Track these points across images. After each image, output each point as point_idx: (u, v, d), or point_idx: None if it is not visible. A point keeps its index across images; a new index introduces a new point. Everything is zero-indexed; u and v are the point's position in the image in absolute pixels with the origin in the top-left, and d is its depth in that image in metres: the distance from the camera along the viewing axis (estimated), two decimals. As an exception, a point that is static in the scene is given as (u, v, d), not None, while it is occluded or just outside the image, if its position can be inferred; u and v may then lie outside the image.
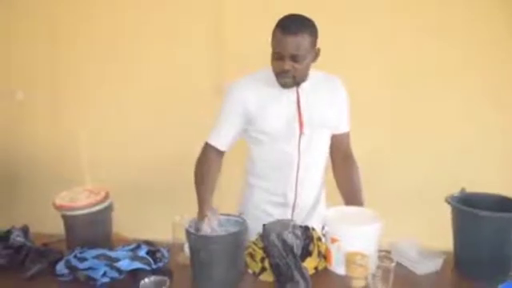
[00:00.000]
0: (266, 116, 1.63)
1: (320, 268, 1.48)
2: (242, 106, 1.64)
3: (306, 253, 1.46)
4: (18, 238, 1.59)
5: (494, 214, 1.37)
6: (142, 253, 1.46)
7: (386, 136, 2.52)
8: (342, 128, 1.77)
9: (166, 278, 1.30)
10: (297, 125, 1.63)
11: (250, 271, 1.48)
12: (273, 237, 1.37)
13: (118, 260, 1.42)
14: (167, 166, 2.62)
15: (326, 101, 1.68)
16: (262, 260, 1.45)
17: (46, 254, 1.53)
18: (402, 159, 2.53)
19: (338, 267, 1.45)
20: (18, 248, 1.56)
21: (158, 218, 1.94)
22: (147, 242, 1.55)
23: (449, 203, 1.48)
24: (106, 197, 1.65)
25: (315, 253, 1.48)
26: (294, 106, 1.63)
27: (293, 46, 1.50)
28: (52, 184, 2.00)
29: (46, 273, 1.47)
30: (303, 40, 1.50)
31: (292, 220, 1.50)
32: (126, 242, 1.55)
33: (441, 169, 2.49)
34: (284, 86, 1.60)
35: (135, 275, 1.38)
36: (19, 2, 2.72)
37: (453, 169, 2.43)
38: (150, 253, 1.48)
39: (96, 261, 1.42)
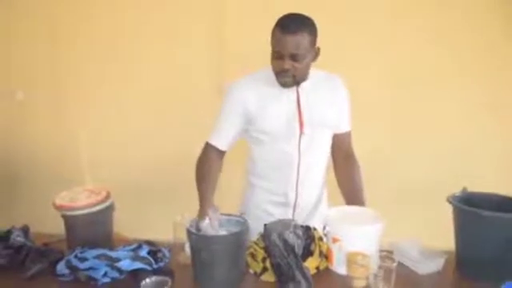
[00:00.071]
0: (266, 116, 1.63)
1: (321, 268, 1.48)
2: (242, 106, 1.64)
3: (308, 253, 1.46)
4: (18, 238, 1.59)
5: (495, 213, 1.36)
6: (143, 253, 1.46)
7: (386, 136, 2.52)
8: (343, 127, 1.76)
9: (167, 279, 1.30)
10: (297, 124, 1.63)
11: (252, 271, 1.48)
12: (274, 237, 1.37)
13: (118, 260, 1.42)
14: (168, 166, 2.62)
15: (327, 100, 1.67)
16: (264, 260, 1.44)
17: (47, 254, 1.52)
18: (402, 159, 2.54)
19: (340, 267, 1.45)
20: (19, 248, 1.55)
21: (158, 218, 1.94)
22: (148, 242, 1.55)
23: (450, 203, 1.47)
24: (107, 197, 1.64)
25: (316, 253, 1.47)
26: (294, 105, 1.63)
27: (292, 45, 1.49)
28: (52, 184, 2.00)
29: (46, 273, 1.47)
30: (303, 39, 1.50)
31: (293, 220, 1.50)
32: (127, 242, 1.55)
33: (441, 168, 2.49)
34: (284, 85, 1.59)
35: (136, 275, 1.38)
36: (19, 2, 2.72)
37: (453, 168, 2.44)
38: (151, 253, 1.48)
39: (97, 261, 1.42)
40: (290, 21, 1.51)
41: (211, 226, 1.41)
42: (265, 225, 1.44)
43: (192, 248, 1.40)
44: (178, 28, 2.60)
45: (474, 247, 1.43)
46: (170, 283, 1.29)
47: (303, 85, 1.63)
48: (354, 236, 1.44)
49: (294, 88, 1.62)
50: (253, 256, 1.49)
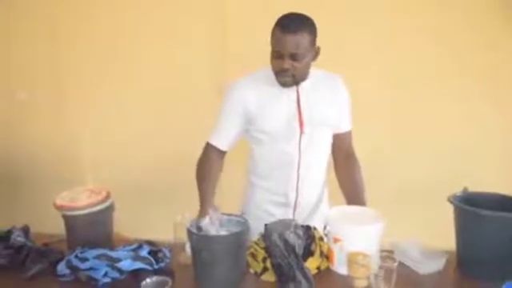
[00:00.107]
0: (266, 115, 1.63)
1: (322, 268, 1.47)
2: (242, 106, 1.64)
3: (308, 253, 1.46)
4: (18, 238, 1.59)
5: (496, 213, 1.36)
6: (144, 253, 1.45)
7: (386, 136, 2.52)
8: (344, 127, 1.76)
9: (167, 279, 1.30)
10: (297, 124, 1.63)
11: (252, 271, 1.48)
12: (275, 237, 1.37)
13: (119, 260, 1.41)
14: (168, 166, 2.62)
15: (327, 99, 1.67)
16: (264, 260, 1.44)
17: (47, 254, 1.52)
18: (402, 159, 2.53)
19: (340, 267, 1.45)
20: (19, 248, 1.55)
21: (158, 218, 1.94)
22: (149, 242, 1.54)
23: (451, 203, 1.47)
24: (107, 197, 1.64)
25: (317, 253, 1.47)
26: (294, 104, 1.63)
27: (292, 44, 1.49)
28: (53, 184, 2.00)
29: (46, 273, 1.47)
30: (302, 38, 1.50)
31: (294, 220, 1.50)
32: (127, 242, 1.55)
33: (441, 168, 2.49)
34: (284, 84, 1.59)
35: (137, 275, 1.38)
36: (19, 2, 2.72)
37: (453, 168, 2.43)
38: (152, 253, 1.47)
39: (97, 261, 1.42)
40: (290, 20, 1.51)
41: (211, 224, 1.41)
42: (265, 225, 1.44)
43: (193, 248, 1.40)
44: (178, 28, 2.60)
45: (475, 247, 1.43)
46: (170, 283, 1.29)
47: (303, 84, 1.63)
48: (355, 236, 1.43)
49: (294, 88, 1.62)
50: (253, 256, 1.49)
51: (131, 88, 2.68)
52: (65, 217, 1.61)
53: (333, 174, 1.81)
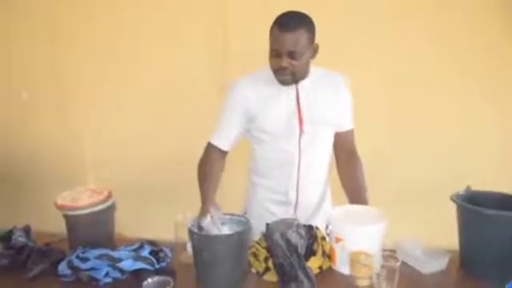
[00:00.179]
0: (266, 115, 1.63)
1: (324, 267, 1.47)
2: (242, 106, 1.64)
3: (310, 252, 1.45)
4: (19, 239, 1.58)
5: (499, 212, 1.36)
6: (145, 253, 1.45)
7: (386, 136, 2.52)
8: (346, 125, 1.75)
9: (169, 279, 1.29)
10: (297, 122, 1.62)
11: (254, 271, 1.47)
12: (276, 236, 1.36)
13: (120, 260, 1.41)
14: (169, 166, 2.62)
15: (327, 97, 1.66)
16: (266, 260, 1.44)
17: (48, 254, 1.52)
18: (402, 159, 2.53)
19: (343, 267, 1.44)
20: (20, 248, 1.55)
21: (159, 218, 1.93)
22: (150, 242, 1.54)
23: (454, 201, 1.47)
24: (109, 196, 1.64)
25: (319, 252, 1.47)
26: (294, 103, 1.63)
27: (290, 42, 1.49)
28: (54, 184, 2.00)
29: (48, 273, 1.46)
30: (301, 36, 1.49)
31: (296, 219, 1.49)
32: (129, 242, 1.54)
33: (441, 168, 2.49)
34: (283, 83, 1.59)
35: (138, 275, 1.38)
36: (19, 2, 2.72)
37: (453, 168, 2.43)
38: (153, 253, 1.47)
39: (98, 261, 1.41)
40: (288, 18, 1.51)
41: (213, 223, 1.40)
42: (267, 224, 1.43)
43: (194, 248, 1.40)
44: (178, 28, 2.60)
45: (478, 246, 1.43)
46: (172, 283, 1.28)
47: (303, 83, 1.62)
48: (357, 235, 1.43)
49: (294, 86, 1.61)
50: (255, 255, 1.49)
51: (132, 88, 2.68)
52: (66, 217, 1.61)
53: (335, 173, 1.81)
